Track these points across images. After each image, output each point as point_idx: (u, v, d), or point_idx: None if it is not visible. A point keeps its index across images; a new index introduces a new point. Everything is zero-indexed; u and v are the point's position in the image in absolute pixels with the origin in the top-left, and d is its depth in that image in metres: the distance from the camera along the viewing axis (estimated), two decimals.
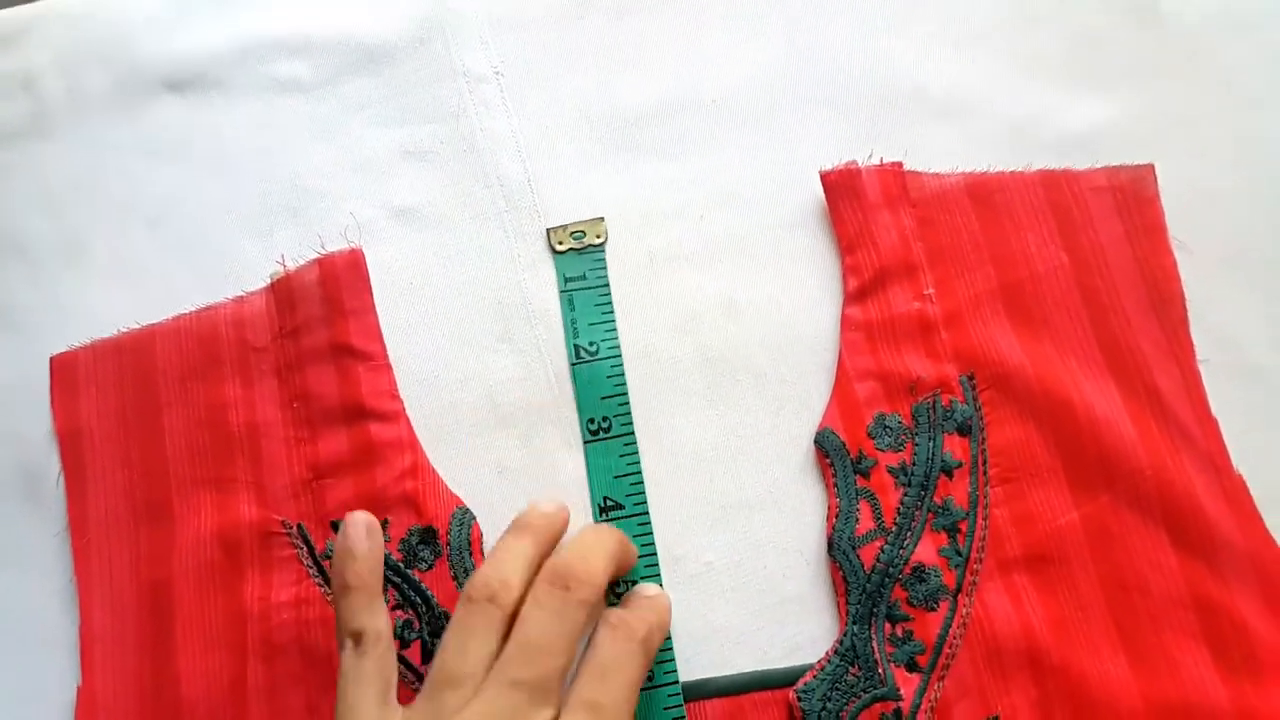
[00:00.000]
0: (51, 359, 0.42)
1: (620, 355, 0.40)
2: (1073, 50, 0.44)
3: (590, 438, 0.39)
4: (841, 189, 0.41)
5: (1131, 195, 0.41)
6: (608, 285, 0.42)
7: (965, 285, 0.40)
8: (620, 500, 0.39)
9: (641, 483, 0.39)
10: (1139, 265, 0.40)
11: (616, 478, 0.39)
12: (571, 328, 0.41)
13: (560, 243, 0.42)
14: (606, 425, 0.40)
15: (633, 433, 0.39)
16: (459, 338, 0.42)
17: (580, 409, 0.40)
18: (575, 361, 0.41)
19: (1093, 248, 0.40)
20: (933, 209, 0.41)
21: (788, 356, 0.40)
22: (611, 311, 0.41)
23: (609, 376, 0.40)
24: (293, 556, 0.38)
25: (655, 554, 0.38)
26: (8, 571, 0.40)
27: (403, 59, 0.46)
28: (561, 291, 0.42)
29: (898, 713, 0.34)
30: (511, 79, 0.45)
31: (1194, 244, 0.40)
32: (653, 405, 0.40)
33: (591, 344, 0.41)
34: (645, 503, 0.38)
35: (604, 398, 0.40)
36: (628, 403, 0.40)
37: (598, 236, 0.42)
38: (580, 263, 0.42)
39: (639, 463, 0.39)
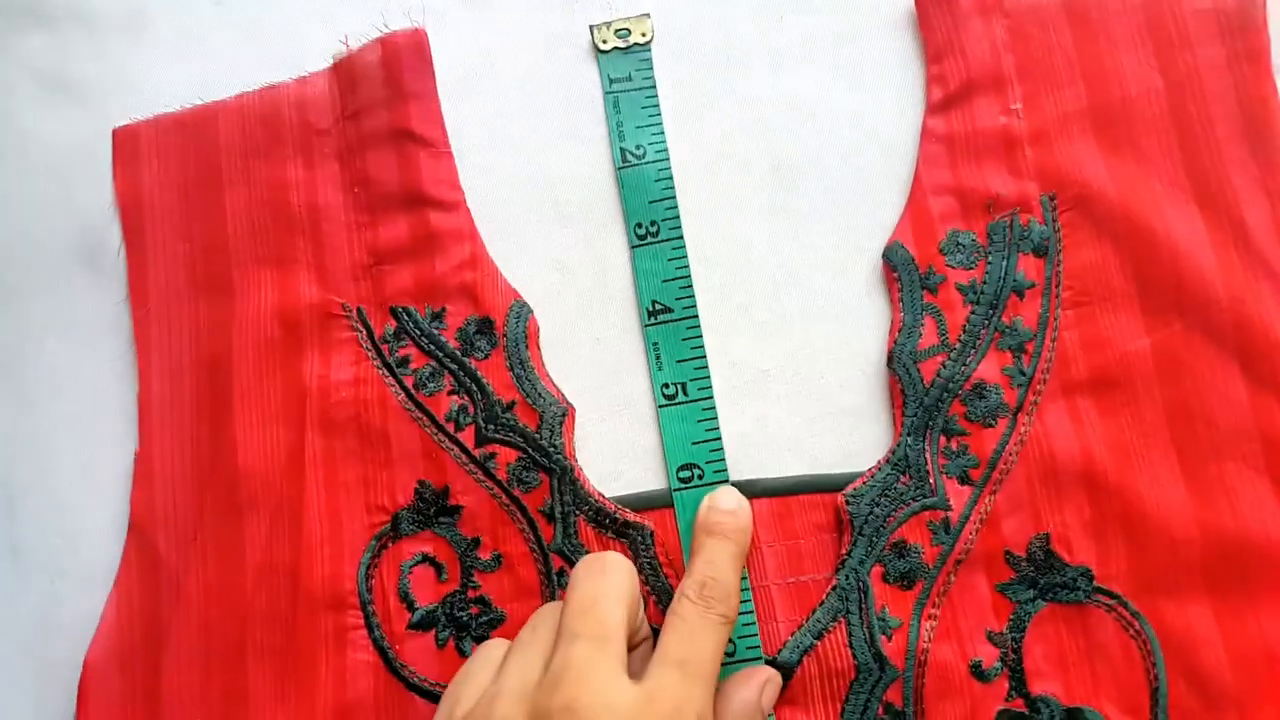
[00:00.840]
0: (114, 131, 0.41)
1: (668, 159, 0.39)
2: None
3: (638, 242, 0.39)
4: None
5: (1237, 20, 0.38)
6: (654, 86, 0.40)
7: (1054, 103, 0.38)
8: (669, 304, 0.38)
9: (690, 286, 0.38)
10: (1237, 93, 0.38)
11: (665, 281, 0.38)
12: (617, 131, 0.40)
13: (604, 41, 0.41)
14: (655, 230, 0.39)
15: (681, 237, 0.39)
16: (523, 131, 0.41)
17: (627, 213, 0.39)
18: (621, 165, 0.39)
19: (1189, 72, 0.38)
20: (1027, 21, 0.39)
21: (862, 167, 0.39)
22: (659, 114, 0.40)
23: (656, 180, 0.39)
24: (352, 338, 0.38)
25: (705, 357, 0.37)
26: (69, 338, 0.41)
27: None
28: (606, 93, 0.40)
29: (946, 522, 0.34)
30: None
31: None
32: (715, 211, 0.39)
33: (639, 147, 0.40)
34: (694, 305, 0.38)
35: (652, 202, 0.39)
36: (675, 206, 0.39)
37: (643, 34, 0.41)
38: (625, 63, 0.41)
39: (688, 267, 0.38)
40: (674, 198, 0.39)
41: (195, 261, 0.40)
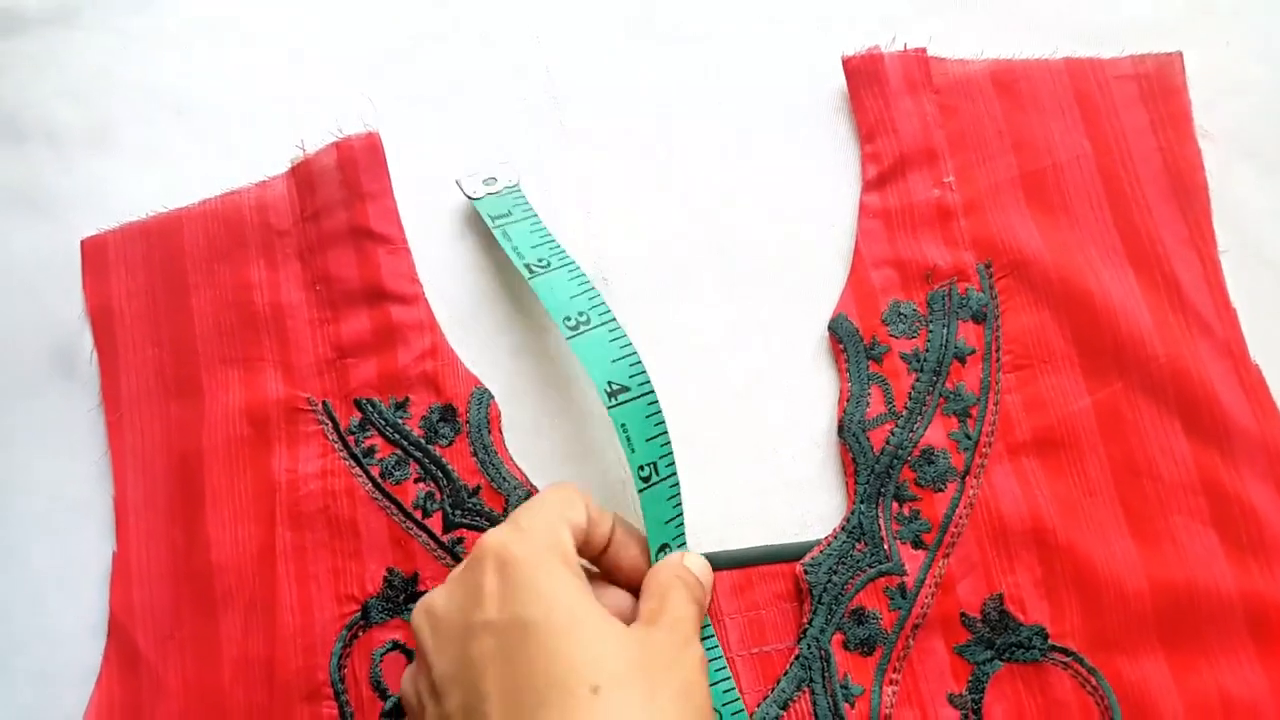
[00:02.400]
0: (82, 242, 0.43)
1: (573, 260, 0.39)
2: None
3: (571, 334, 0.37)
4: (864, 75, 0.41)
5: (1157, 84, 0.40)
6: (535, 215, 0.40)
7: (986, 173, 0.39)
8: (625, 383, 0.37)
9: (639, 362, 0.36)
10: (1162, 155, 0.39)
11: (614, 362, 0.36)
12: (515, 253, 0.39)
13: (474, 192, 0.41)
14: (585, 319, 0.37)
15: (613, 318, 0.37)
16: (475, 224, 0.42)
17: (551, 312, 0.37)
18: (530, 276, 0.38)
19: (1116, 136, 0.39)
20: (956, 96, 0.40)
21: (804, 244, 0.40)
22: (548, 233, 0.40)
23: (570, 279, 0.38)
24: (319, 432, 0.39)
25: (667, 432, 0.38)
26: (45, 445, 0.42)
27: None
28: (493, 228, 0.40)
29: (902, 587, 0.35)
30: None
31: (1218, 133, 0.39)
32: (664, 292, 0.41)
33: (540, 260, 0.39)
34: (648, 381, 0.37)
35: (572, 297, 0.38)
36: (598, 294, 0.38)
37: (510, 180, 0.42)
38: (501, 202, 0.41)
39: (630, 344, 0.37)
40: (592, 287, 0.38)
41: (165, 365, 0.41)
